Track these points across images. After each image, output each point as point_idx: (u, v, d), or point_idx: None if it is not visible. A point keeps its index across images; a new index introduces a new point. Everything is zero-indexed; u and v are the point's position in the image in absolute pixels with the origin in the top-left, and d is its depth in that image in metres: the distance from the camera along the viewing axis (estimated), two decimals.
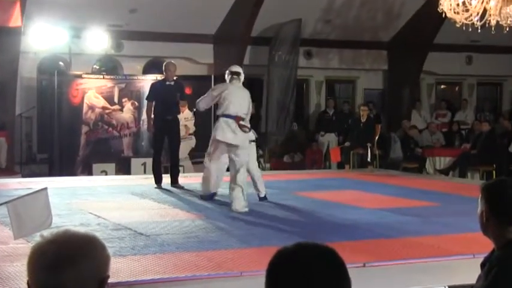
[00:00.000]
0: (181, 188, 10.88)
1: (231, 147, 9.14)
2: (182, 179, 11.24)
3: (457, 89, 20.80)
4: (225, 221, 8.20)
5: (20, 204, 6.01)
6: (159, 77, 15.23)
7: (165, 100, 10.74)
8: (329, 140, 17.26)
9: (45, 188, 6.30)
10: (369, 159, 14.46)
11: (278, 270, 1.78)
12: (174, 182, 11.05)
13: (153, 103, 11.02)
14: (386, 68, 19.13)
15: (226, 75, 9.69)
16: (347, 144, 14.94)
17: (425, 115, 18.72)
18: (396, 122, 18.03)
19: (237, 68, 9.69)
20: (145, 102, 14.10)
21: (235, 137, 9.10)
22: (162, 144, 11.05)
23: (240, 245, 6.76)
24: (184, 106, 11.56)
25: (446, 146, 16.80)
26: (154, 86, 11.30)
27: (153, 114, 11.05)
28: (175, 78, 11.08)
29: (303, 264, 1.76)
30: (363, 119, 14.74)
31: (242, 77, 9.65)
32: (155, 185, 11.04)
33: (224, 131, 9.14)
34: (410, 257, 6.24)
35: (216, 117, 9.59)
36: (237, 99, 9.28)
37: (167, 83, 11.00)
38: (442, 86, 20.84)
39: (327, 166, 16.89)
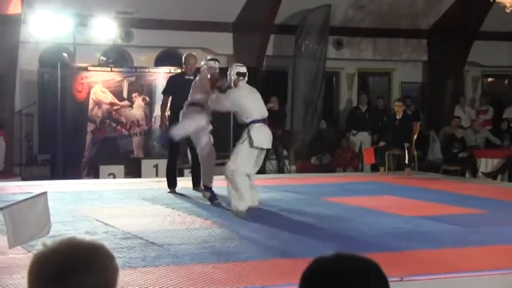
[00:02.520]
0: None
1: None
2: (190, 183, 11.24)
3: (506, 82, 20.64)
4: (245, 229, 8.21)
5: (16, 210, 6.07)
6: (173, 69, 15.38)
7: (183, 95, 10.76)
8: (361, 139, 17.22)
9: (45, 193, 6.36)
10: (406, 161, 14.39)
11: (316, 280, 1.79)
12: (197, 184, 11.06)
13: (169, 98, 11.09)
14: (426, 59, 19.04)
15: (231, 75, 9.63)
16: (381, 144, 14.88)
17: (469, 112, 18.60)
18: (438, 119, 17.95)
19: (244, 69, 9.70)
20: (157, 97, 14.21)
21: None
22: (178, 145, 11.10)
23: (261, 256, 6.77)
24: None
25: (490, 146, 16.69)
26: (172, 80, 11.42)
27: (169, 110, 11.14)
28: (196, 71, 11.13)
29: (344, 276, 1.77)
30: (398, 116, 14.68)
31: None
32: (168, 190, 11.11)
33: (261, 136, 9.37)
34: (451, 271, 6.21)
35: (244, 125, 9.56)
36: (256, 102, 9.51)
37: (186, 77, 11.03)
38: (489, 79, 20.71)
39: (359, 168, 16.84)
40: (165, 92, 11.32)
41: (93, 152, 14.75)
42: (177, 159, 11.34)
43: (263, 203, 10.07)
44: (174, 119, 10.89)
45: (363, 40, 18.33)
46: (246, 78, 9.62)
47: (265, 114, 9.51)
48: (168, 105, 11.16)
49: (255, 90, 9.68)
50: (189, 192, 11.03)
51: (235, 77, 9.56)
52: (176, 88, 10.99)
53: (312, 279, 1.80)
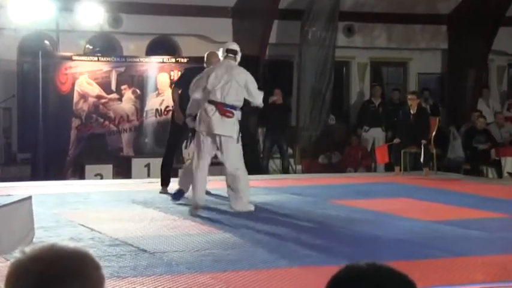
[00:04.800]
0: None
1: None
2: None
3: None
4: (247, 235, 8.21)
5: None
6: (166, 59, 15.41)
7: None
8: (374, 136, 17.21)
9: (30, 197, 6.37)
10: (423, 160, 14.39)
11: (346, 286, 1.88)
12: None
13: (179, 91, 11.17)
14: (446, 47, 19.02)
15: (221, 52, 9.88)
16: (396, 141, 14.88)
17: (494, 105, 18.59)
18: (459, 114, 17.93)
19: (234, 46, 9.86)
20: (149, 90, 14.23)
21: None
22: (179, 142, 11.22)
23: (265, 265, 6.77)
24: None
25: None
26: (187, 72, 11.60)
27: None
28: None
29: (376, 285, 1.86)
30: (413, 111, 14.68)
31: (238, 56, 9.84)
32: (160, 189, 11.18)
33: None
34: (473, 281, 6.22)
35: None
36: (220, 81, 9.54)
37: None
38: None
39: (372, 168, 16.84)
40: (177, 83, 11.70)
41: (78, 150, 14.75)
42: (175, 152, 11.46)
43: (266, 206, 10.09)
44: (178, 114, 11.06)
45: (376, 26, 18.31)
46: (237, 57, 9.69)
47: (224, 99, 9.44)
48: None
49: (237, 71, 9.64)
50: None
51: (225, 54, 9.75)
52: (189, 83, 11.02)
53: (343, 284, 1.89)
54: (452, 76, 19.00)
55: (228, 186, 9.64)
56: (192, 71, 11.39)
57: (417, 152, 14.68)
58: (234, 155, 9.50)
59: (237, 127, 9.52)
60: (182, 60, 15.56)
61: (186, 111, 10.73)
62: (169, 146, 11.50)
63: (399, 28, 18.50)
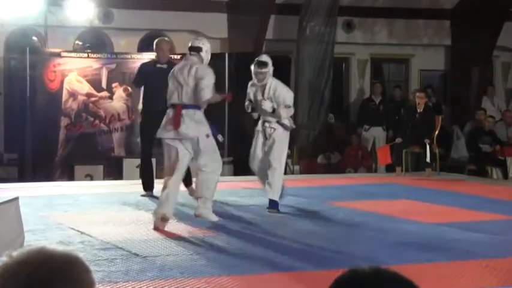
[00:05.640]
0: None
1: None
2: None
3: None
4: (243, 239, 8.22)
5: None
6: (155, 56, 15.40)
7: (154, 87, 10.79)
8: (375, 135, 17.22)
9: (16, 198, 6.36)
10: (426, 160, 14.40)
11: None
12: (189, 183, 10.99)
13: (141, 90, 11.24)
14: (449, 43, 19.03)
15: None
16: (398, 140, 14.89)
17: (499, 103, 18.61)
18: (462, 112, 17.94)
19: (195, 42, 9.31)
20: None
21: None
22: (152, 143, 11.11)
23: (262, 270, 6.77)
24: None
25: None
26: (142, 68, 11.58)
27: (141, 104, 11.31)
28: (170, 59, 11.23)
29: None
30: (419, 109, 14.69)
31: (204, 53, 9.21)
32: (143, 193, 11.16)
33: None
34: (477, 286, 6.22)
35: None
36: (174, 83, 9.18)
37: (158, 65, 11.15)
38: None
39: (373, 169, 16.85)
40: (135, 82, 11.61)
41: (68, 150, 14.74)
42: (151, 154, 11.44)
43: (262, 208, 10.08)
44: (144, 114, 11.08)
45: (376, 21, 18.33)
46: (201, 53, 9.12)
47: (176, 100, 9.04)
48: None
49: (190, 66, 9.08)
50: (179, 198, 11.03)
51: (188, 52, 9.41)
52: (146, 78, 11.15)
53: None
54: (456, 73, 19.02)
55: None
56: (149, 66, 11.43)
57: (420, 152, 14.69)
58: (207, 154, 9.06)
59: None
60: (175, 56, 15.53)
61: (150, 108, 10.74)
62: (142, 148, 11.55)
63: (401, 23, 18.51)
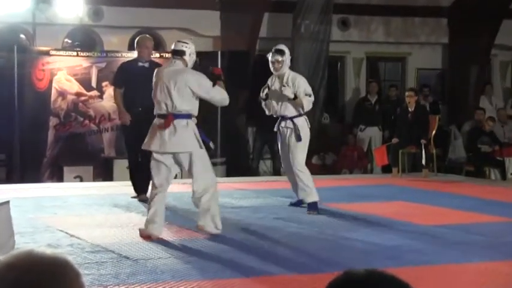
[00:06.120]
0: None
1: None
2: (181, 186, 11.25)
3: None
4: (235, 241, 8.22)
5: None
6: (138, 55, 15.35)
7: (136, 87, 10.65)
8: (371, 135, 17.24)
9: (7, 202, 6.35)
10: (423, 161, 14.42)
11: None
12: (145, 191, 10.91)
13: (122, 90, 11.05)
14: (447, 41, 19.06)
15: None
16: (394, 141, 14.91)
17: (497, 103, 18.64)
18: (460, 112, 17.96)
19: (177, 45, 8.76)
20: None
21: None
22: (136, 145, 11.03)
23: (256, 273, 6.77)
24: None
25: None
26: (122, 68, 11.41)
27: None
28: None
29: None
30: (411, 108, 14.73)
31: (188, 57, 8.68)
32: (133, 195, 11.10)
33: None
34: None
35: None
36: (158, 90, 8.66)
37: (140, 64, 10.98)
38: None
39: (369, 170, 16.85)
40: (115, 83, 11.39)
41: (57, 150, 14.72)
42: (137, 156, 11.34)
43: (256, 210, 10.10)
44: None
45: (372, 19, 18.34)
46: (184, 57, 8.63)
47: (165, 111, 8.52)
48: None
49: (177, 73, 8.55)
50: (169, 199, 11.02)
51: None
52: (127, 77, 10.95)
53: None
54: (454, 72, 19.04)
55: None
56: (129, 66, 11.24)
57: (416, 152, 14.71)
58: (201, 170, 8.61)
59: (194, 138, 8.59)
60: (167, 55, 15.53)
61: (131, 109, 10.63)
62: (128, 151, 11.35)
63: (397, 21, 18.53)
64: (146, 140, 8.64)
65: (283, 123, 10.42)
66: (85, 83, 14.91)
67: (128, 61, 11.88)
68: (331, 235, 8.70)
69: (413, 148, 14.69)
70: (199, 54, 15.31)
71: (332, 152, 17.15)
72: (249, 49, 16.15)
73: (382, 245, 8.02)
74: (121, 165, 14.39)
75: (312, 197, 10.13)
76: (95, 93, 15.00)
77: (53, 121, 14.71)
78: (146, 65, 10.89)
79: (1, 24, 15.79)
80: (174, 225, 9.15)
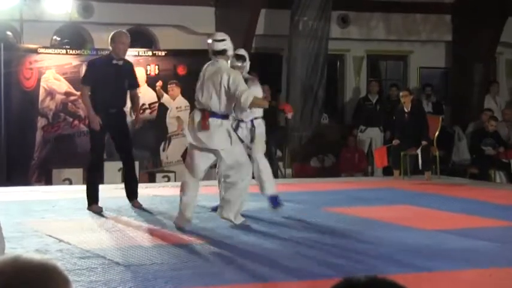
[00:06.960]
0: (141, 208, 10.61)
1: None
2: (174, 190, 11.24)
3: None
4: (231, 247, 8.22)
5: None
6: (142, 52, 15.35)
7: (108, 86, 10.37)
8: (372, 136, 17.25)
9: None
10: (420, 164, 14.37)
11: None
12: (133, 198, 10.80)
13: (89, 89, 10.58)
14: (450, 39, 19.08)
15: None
16: (396, 142, 14.91)
17: (501, 103, 18.66)
18: (464, 112, 17.98)
19: (220, 46, 9.55)
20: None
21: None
22: (103, 150, 10.95)
23: (252, 279, 6.77)
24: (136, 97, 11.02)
25: None
26: (93, 65, 10.86)
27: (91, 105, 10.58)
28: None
29: None
30: (407, 109, 14.74)
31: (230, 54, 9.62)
32: (89, 207, 10.55)
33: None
34: None
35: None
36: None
37: (114, 61, 10.57)
38: None
39: (369, 172, 16.86)
40: (84, 81, 10.84)
41: (45, 152, 14.71)
42: (102, 163, 11.25)
43: (252, 214, 10.09)
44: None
45: (373, 16, 18.35)
46: (227, 54, 9.52)
47: (204, 106, 9.17)
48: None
49: (216, 73, 9.22)
50: (162, 202, 11.01)
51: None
52: (98, 76, 10.50)
53: None
54: (457, 71, 19.06)
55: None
56: (101, 63, 10.87)
57: (418, 154, 14.71)
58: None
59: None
60: (160, 53, 15.55)
61: (103, 110, 10.28)
62: (92, 155, 10.99)
63: (399, 18, 18.54)
64: (188, 132, 9.29)
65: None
66: (74, 82, 14.87)
67: (100, 57, 11.60)
68: (331, 240, 8.70)
69: (414, 150, 14.69)
70: (193, 52, 15.44)
71: (331, 154, 17.16)
72: (245, 47, 16.14)
73: (384, 251, 8.02)
74: (112, 168, 14.37)
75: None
76: None
77: (41, 122, 14.70)
78: (120, 62, 10.56)
79: None
80: (165, 229, 9.14)
